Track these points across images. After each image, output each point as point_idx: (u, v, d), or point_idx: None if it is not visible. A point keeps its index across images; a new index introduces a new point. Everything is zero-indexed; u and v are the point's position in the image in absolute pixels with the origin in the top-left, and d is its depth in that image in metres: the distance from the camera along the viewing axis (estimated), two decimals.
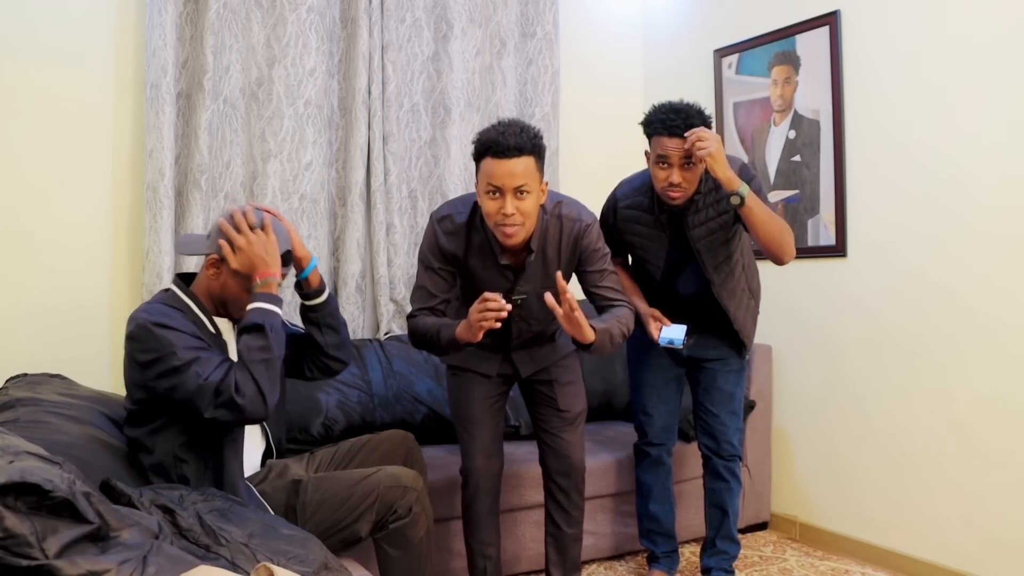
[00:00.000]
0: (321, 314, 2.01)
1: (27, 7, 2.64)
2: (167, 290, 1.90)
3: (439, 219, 2.15)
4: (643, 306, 2.41)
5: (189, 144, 2.82)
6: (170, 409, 1.76)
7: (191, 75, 2.83)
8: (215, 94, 2.86)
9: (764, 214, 2.19)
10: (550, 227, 2.13)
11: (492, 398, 2.31)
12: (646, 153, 2.28)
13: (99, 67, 2.75)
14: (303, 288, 1.99)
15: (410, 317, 2.18)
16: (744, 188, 2.15)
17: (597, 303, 2.23)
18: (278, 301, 1.79)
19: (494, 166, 1.95)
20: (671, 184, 2.20)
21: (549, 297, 1.95)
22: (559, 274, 2.01)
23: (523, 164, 1.95)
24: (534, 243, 2.10)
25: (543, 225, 2.11)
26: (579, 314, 1.97)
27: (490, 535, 2.32)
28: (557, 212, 2.14)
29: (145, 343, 1.72)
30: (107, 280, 2.78)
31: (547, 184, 2.08)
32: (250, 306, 1.77)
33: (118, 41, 2.79)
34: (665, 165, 2.20)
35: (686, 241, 2.33)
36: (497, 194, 1.97)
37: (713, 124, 2.31)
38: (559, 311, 1.97)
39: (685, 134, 2.14)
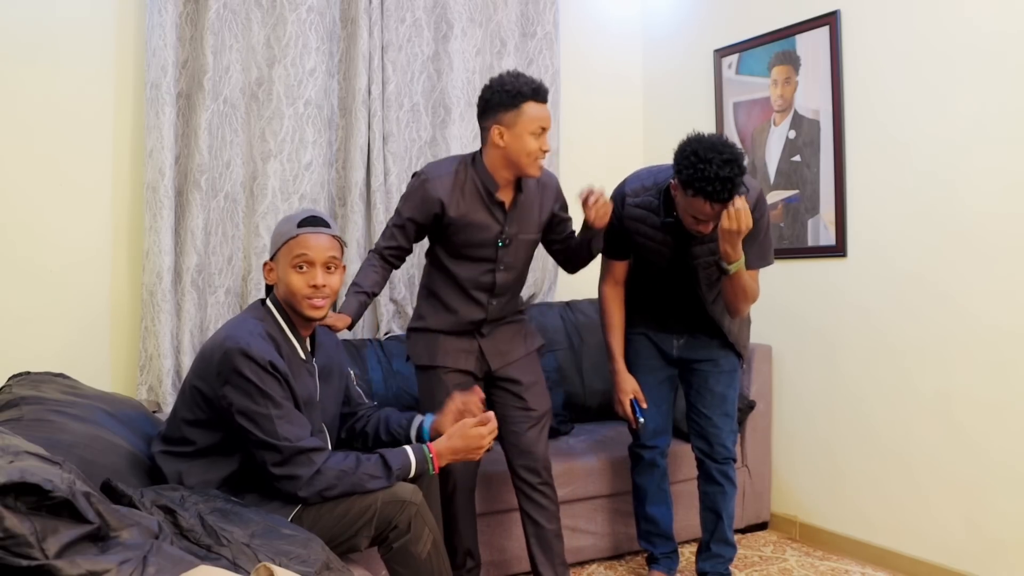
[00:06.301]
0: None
1: (27, 7, 2.64)
2: (263, 303, 1.90)
3: (424, 171, 2.28)
4: (623, 374, 2.49)
5: (189, 144, 2.82)
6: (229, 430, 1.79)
7: (191, 75, 2.82)
8: (215, 94, 2.85)
9: (744, 285, 2.28)
10: (530, 180, 2.32)
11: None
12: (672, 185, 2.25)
13: (99, 67, 2.75)
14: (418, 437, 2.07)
15: (371, 251, 2.35)
16: (736, 266, 2.22)
17: (570, 242, 2.45)
18: (406, 474, 1.83)
19: (541, 110, 2.18)
20: (699, 227, 2.23)
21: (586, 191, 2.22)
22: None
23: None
24: (523, 185, 2.30)
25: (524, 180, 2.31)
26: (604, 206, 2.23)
27: (468, 529, 2.39)
28: None
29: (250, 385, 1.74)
30: (107, 280, 2.78)
31: None
32: (411, 450, 1.83)
33: (118, 41, 2.79)
34: (697, 222, 2.22)
35: (688, 253, 2.34)
36: (544, 134, 2.19)
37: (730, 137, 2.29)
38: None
39: (729, 205, 2.14)
